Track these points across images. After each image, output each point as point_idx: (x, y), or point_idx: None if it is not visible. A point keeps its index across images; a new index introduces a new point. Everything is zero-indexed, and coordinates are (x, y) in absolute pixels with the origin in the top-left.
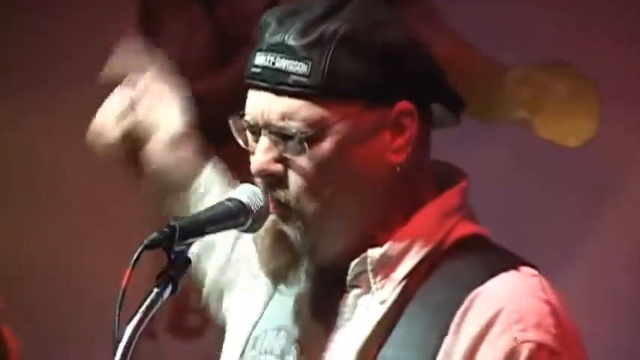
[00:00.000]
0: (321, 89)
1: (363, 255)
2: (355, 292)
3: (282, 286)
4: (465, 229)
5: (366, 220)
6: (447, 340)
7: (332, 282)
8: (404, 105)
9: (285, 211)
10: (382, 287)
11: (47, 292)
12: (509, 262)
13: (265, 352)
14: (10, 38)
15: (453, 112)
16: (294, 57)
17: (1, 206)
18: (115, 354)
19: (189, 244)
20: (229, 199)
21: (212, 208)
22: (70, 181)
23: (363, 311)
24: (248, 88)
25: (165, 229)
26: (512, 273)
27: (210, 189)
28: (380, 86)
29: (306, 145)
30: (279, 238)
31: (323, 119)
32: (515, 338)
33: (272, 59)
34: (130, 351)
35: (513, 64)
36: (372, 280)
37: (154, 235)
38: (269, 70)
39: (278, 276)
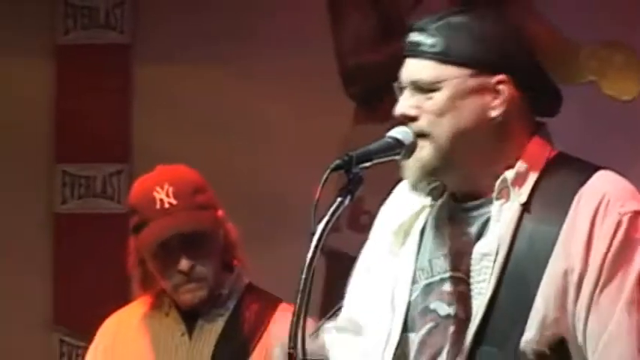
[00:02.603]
0: (442, 55)
1: (502, 176)
2: (500, 201)
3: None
4: (555, 152)
5: (482, 156)
6: (565, 227)
7: (460, 209)
8: (501, 77)
9: (422, 139)
10: (519, 195)
11: (256, 202)
12: (595, 166)
13: (439, 273)
14: (219, 9)
15: (548, 99)
16: (428, 35)
17: (222, 142)
18: (311, 242)
19: (362, 168)
20: (389, 137)
21: (377, 142)
22: (273, 133)
23: (507, 213)
24: (399, 62)
25: (345, 158)
26: (601, 172)
27: None
28: (483, 60)
29: (431, 93)
30: (420, 162)
31: (442, 76)
32: (619, 213)
33: (414, 37)
34: (322, 240)
35: (585, 42)
36: (512, 191)
37: (337, 161)
38: (412, 44)
39: (419, 187)
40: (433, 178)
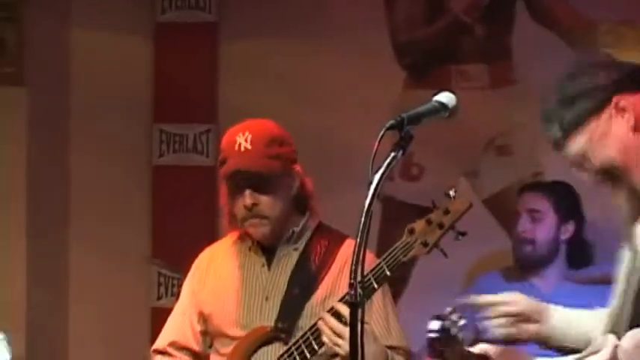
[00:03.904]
0: None
1: None
2: None
3: None
4: None
5: None
6: None
7: None
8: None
9: None
10: None
11: (324, 157)
12: None
13: None
14: None
15: None
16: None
17: (295, 105)
18: (368, 189)
19: (412, 127)
20: (435, 101)
21: (425, 105)
22: (338, 98)
23: None
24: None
25: (398, 118)
26: None
27: None
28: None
29: None
30: None
31: None
32: None
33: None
34: (379, 188)
35: (602, 20)
36: None
37: (391, 122)
38: None
39: None
40: None
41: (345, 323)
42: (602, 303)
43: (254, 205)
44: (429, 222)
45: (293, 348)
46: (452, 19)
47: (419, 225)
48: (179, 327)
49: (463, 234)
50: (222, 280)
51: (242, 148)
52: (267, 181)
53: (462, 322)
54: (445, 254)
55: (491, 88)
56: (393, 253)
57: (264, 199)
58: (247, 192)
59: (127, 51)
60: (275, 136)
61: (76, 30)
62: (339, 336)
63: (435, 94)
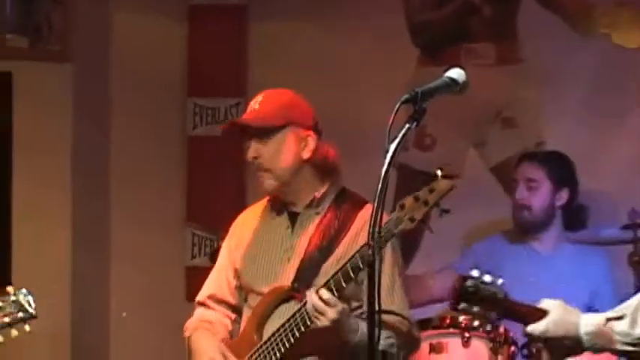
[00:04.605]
0: None
1: None
2: None
3: None
4: None
5: None
6: None
7: None
8: None
9: None
10: None
11: (345, 127)
12: None
13: None
14: None
15: None
16: None
17: (318, 80)
18: (385, 158)
19: (425, 101)
20: (446, 77)
21: (437, 81)
22: (358, 74)
23: None
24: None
25: (412, 93)
26: None
27: None
28: None
29: None
30: None
31: None
32: None
33: None
34: (395, 157)
35: (599, 3)
36: None
37: (406, 96)
38: None
39: None
40: None
41: (326, 303)
42: (597, 262)
43: (255, 157)
44: (416, 199)
45: (292, 319)
46: (462, 2)
47: (408, 201)
48: (217, 282)
49: (447, 211)
50: (252, 241)
51: (251, 108)
52: (266, 135)
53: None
54: (431, 230)
55: (497, 65)
56: (387, 225)
57: (265, 152)
58: (251, 144)
59: (162, 31)
60: (284, 101)
61: (116, 12)
62: (321, 314)
63: (446, 71)
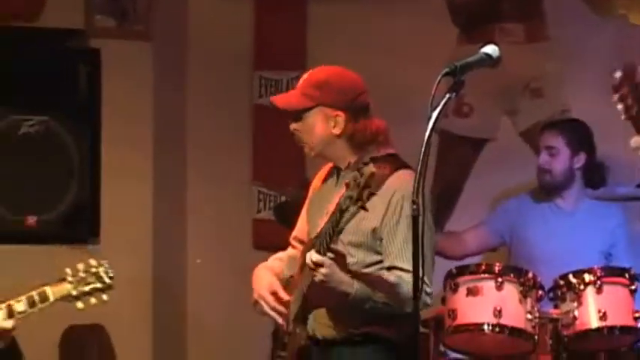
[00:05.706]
0: None
1: None
2: None
3: None
4: None
5: None
6: None
7: None
8: None
9: None
10: None
11: (392, 98)
12: None
13: None
14: None
15: None
16: None
17: (371, 54)
18: (428, 124)
19: (463, 74)
20: (482, 52)
21: (473, 56)
22: (405, 50)
23: None
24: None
25: (452, 67)
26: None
27: None
28: None
29: None
30: None
31: None
32: None
33: None
34: (437, 123)
35: None
36: None
37: (446, 69)
38: None
39: None
40: None
41: (315, 263)
42: (617, 215)
43: (294, 131)
44: (354, 179)
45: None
46: None
47: (351, 182)
48: (299, 225)
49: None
50: (317, 190)
51: (292, 86)
52: (298, 115)
53: None
54: (366, 209)
55: (526, 43)
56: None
57: (300, 128)
58: (292, 122)
59: (232, 12)
60: (319, 83)
61: None
62: (314, 270)
63: (482, 47)
